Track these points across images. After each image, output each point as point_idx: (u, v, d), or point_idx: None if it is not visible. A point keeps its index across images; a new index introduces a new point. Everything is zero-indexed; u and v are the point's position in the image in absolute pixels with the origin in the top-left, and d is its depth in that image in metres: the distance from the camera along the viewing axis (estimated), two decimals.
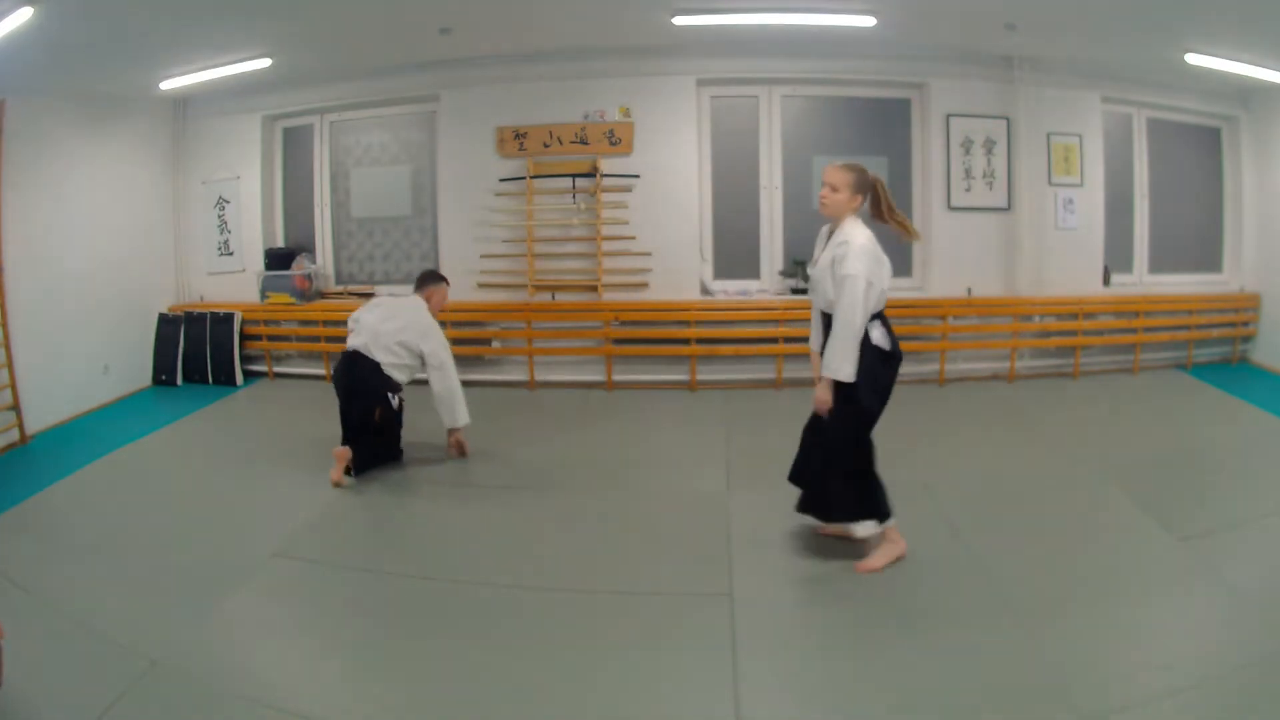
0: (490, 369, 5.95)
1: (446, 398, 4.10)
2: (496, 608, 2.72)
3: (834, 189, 2.82)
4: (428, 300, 4.22)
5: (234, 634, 2.58)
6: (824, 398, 2.78)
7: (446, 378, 4.08)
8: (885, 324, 2.80)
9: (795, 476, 3.08)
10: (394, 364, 4.01)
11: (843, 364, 2.69)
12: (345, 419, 4.00)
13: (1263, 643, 2.34)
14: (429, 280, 4.30)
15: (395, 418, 4.09)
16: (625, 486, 3.85)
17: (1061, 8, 4.46)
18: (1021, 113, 5.70)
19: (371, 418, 3.97)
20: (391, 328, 4.03)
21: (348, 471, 3.86)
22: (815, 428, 2.97)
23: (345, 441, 3.93)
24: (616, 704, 2.20)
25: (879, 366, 2.77)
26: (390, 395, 4.01)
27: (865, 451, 2.89)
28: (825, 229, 2.95)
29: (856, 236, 2.74)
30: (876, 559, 2.90)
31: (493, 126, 5.78)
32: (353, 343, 4.05)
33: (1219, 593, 2.69)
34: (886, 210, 2.86)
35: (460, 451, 4.23)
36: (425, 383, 4.10)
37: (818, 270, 2.84)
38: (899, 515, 2.95)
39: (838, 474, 2.88)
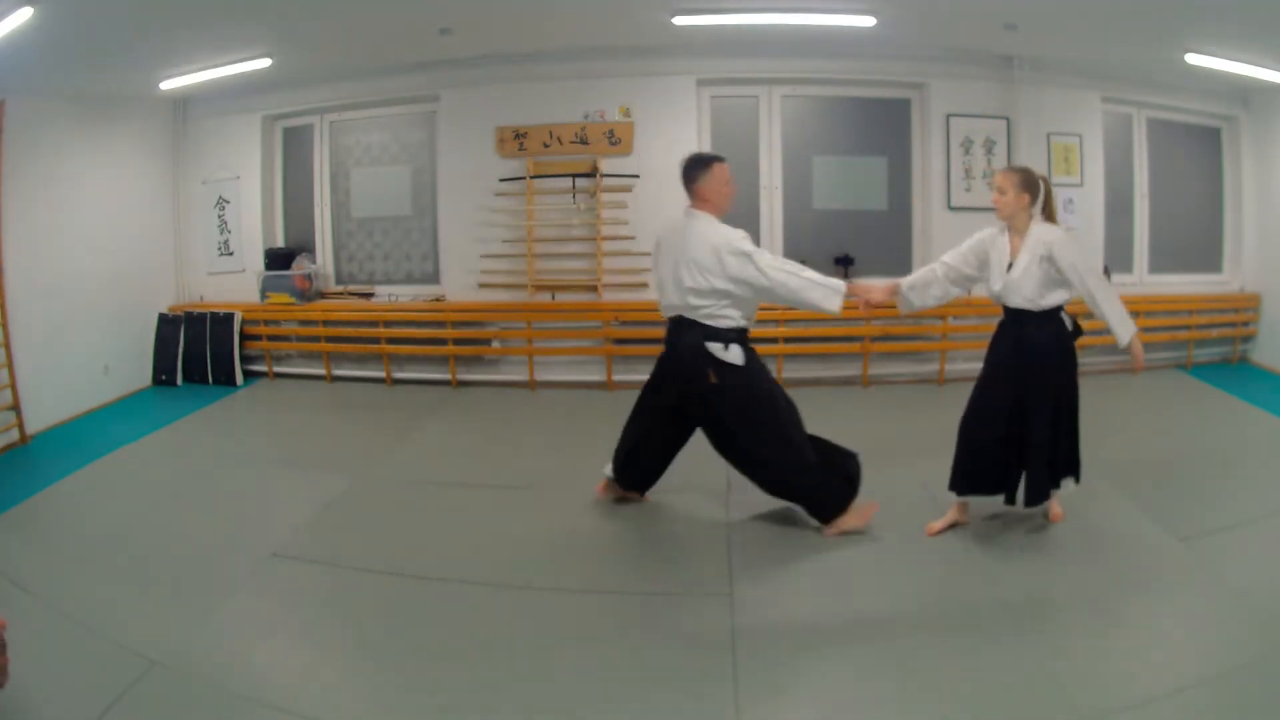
0: (490, 369, 5.95)
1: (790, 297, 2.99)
2: (496, 607, 2.73)
3: (1001, 191, 3.00)
4: (701, 199, 3.13)
5: (234, 634, 2.58)
6: (1139, 352, 3.03)
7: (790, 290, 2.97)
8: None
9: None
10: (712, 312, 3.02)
11: (1127, 323, 2.96)
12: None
13: (1263, 643, 2.34)
14: (692, 171, 3.17)
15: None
16: None
17: (1061, 8, 4.45)
18: (1021, 113, 5.69)
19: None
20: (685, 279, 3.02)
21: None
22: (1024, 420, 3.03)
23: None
24: (617, 704, 2.20)
25: (1071, 344, 3.07)
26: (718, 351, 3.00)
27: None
28: (987, 234, 3.09)
29: (1054, 231, 2.95)
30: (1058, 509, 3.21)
31: (493, 126, 5.78)
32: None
33: (1219, 593, 2.69)
34: (1046, 209, 3.04)
35: None
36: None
37: (1017, 273, 2.96)
38: (899, 515, 2.95)
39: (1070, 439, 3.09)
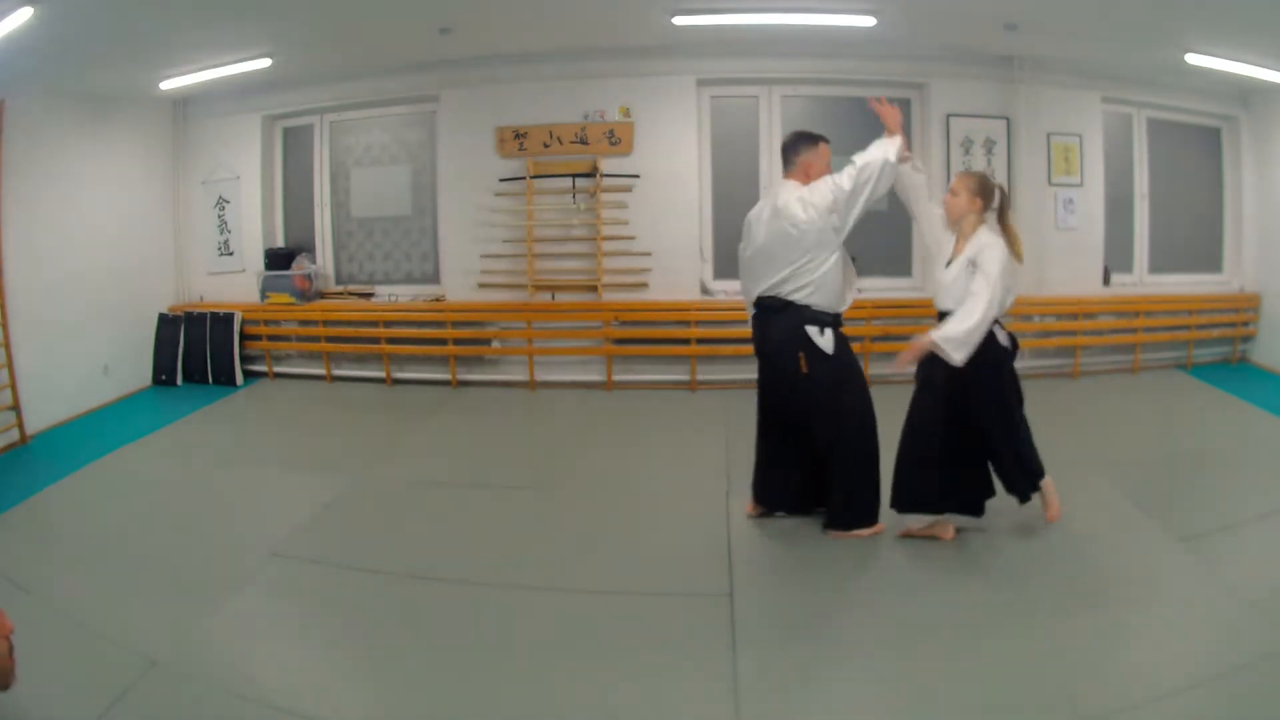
0: (490, 369, 5.95)
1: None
2: (496, 607, 2.73)
3: (954, 193, 3.01)
4: (802, 173, 3.11)
5: (234, 634, 2.58)
6: (916, 350, 2.87)
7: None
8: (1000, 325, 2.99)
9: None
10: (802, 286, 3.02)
11: (958, 340, 2.79)
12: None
13: (1263, 643, 2.34)
14: (799, 144, 3.15)
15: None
16: (625, 486, 3.85)
17: (1061, 8, 4.46)
18: (1021, 113, 5.70)
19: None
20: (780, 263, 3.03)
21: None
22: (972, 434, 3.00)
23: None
24: (616, 704, 2.20)
25: (1007, 362, 3.01)
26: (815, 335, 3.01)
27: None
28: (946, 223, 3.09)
29: (994, 240, 2.91)
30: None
31: (493, 126, 5.78)
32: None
33: (1219, 593, 2.69)
34: (999, 216, 3.03)
35: None
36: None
37: (949, 276, 2.97)
38: (897, 516, 2.95)
39: (1011, 452, 3.03)
